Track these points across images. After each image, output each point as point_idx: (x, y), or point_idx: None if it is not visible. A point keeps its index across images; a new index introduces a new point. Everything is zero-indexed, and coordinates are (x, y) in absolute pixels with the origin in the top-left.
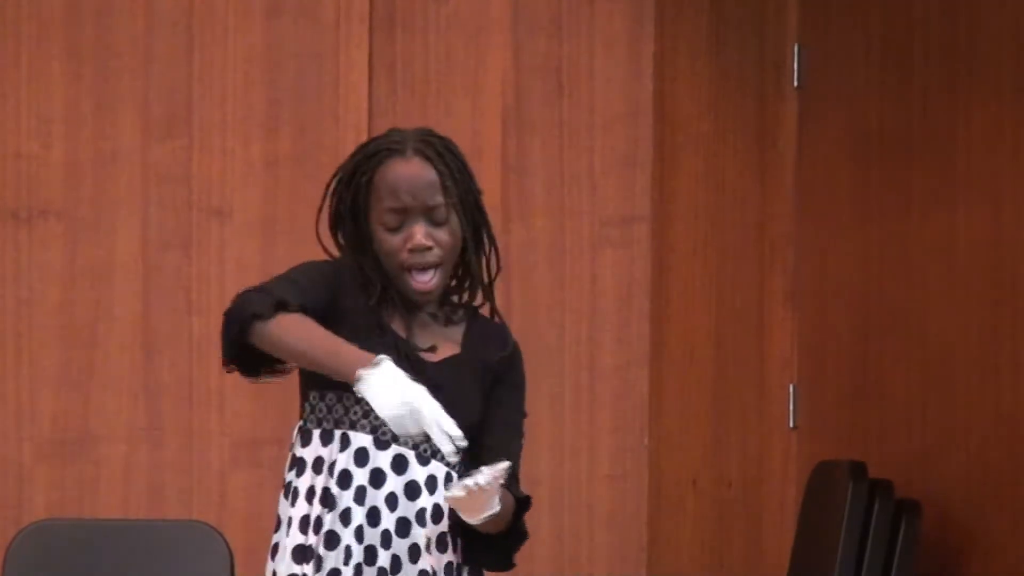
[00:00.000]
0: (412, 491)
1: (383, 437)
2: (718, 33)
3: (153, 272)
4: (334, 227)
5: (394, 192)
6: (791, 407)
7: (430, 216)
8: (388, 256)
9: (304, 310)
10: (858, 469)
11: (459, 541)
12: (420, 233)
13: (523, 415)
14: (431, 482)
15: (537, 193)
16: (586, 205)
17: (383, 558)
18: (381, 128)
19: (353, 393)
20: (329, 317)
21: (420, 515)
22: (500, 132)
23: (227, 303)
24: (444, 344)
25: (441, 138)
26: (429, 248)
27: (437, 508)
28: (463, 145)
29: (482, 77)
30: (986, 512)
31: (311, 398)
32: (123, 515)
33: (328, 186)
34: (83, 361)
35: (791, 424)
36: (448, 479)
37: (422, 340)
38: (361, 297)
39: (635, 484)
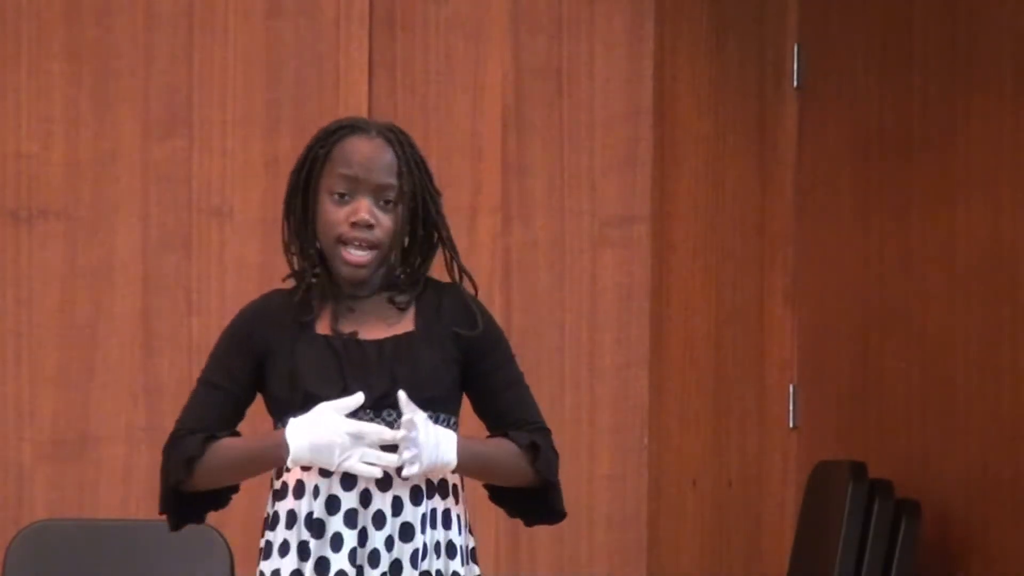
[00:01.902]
0: (384, 482)
1: None
2: (718, 33)
3: (153, 272)
4: (286, 211)
5: (348, 161)
6: (791, 407)
7: (379, 196)
8: (327, 227)
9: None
10: (858, 469)
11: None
12: (364, 209)
13: (513, 358)
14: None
15: (537, 193)
16: (586, 205)
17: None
18: None
19: (305, 412)
20: (261, 360)
21: (396, 503)
22: (500, 132)
23: (227, 303)
24: (390, 325)
25: (407, 134)
26: (371, 226)
27: (416, 490)
28: (463, 145)
29: (482, 77)
30: (986, 512)
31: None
32: (123, 515)
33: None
34: (83, 361)
35: (791, 424)
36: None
37: (353, 325)
38: (283, 316)
39: (635, 484)
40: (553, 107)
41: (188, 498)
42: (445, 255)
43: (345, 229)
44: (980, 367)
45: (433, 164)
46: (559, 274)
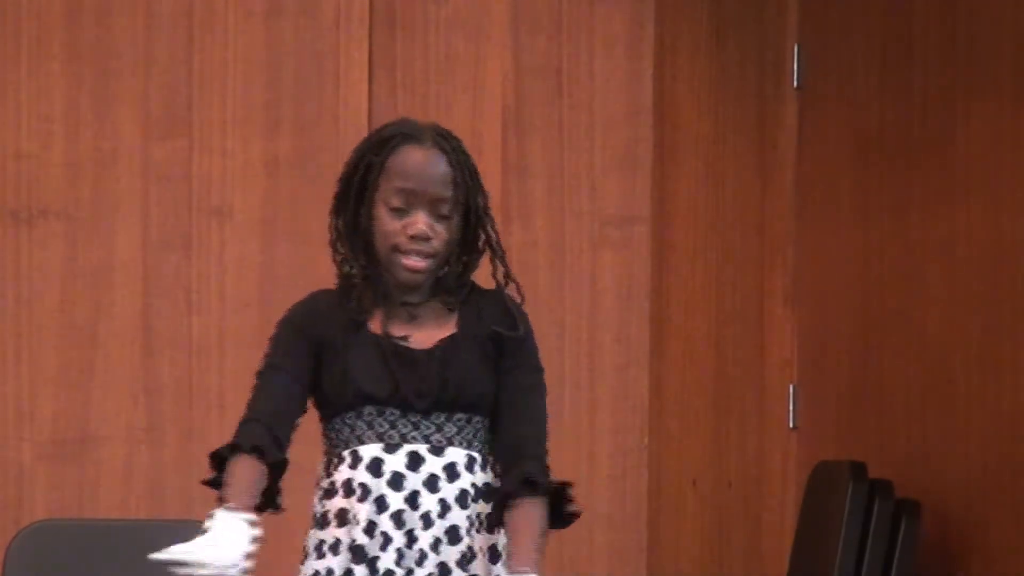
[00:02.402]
0: (432, 484)
1: (391, 441)
2: (718, 33)
3: (153, 272)
4: (336, 212)
5: (406, 174)
6: (791, 407)
7: (435, 208)
8: (384, 236)
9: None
10: (858, 469)
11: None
12: (422, 221)
13: (537, 368)
14: (451, 470)
15: (537, 193)
16: (586, 205)
17: (422, 542)
18: None
19: (355, 411)
20: (317, 351)
21: (443, 505)
22: (500, 132)
23: (227, 303)
24: (440, 329)
25: (456, 137)
26: (428, 239)
27: (463, 493)
28: None
29: (482, 77)
30: (986, 512)
31: (328, 430)
32: (123, 515)
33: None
34: (83, 361)
35: (791, 424)
36: (470, 462)
37: (406, 330)
38: (336, 314)
39: (635, 484)
40: (553, 107)
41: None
42: (492, 258)
43: (403, 240)
44: (980, 367)
45: None
46: (559, 274)
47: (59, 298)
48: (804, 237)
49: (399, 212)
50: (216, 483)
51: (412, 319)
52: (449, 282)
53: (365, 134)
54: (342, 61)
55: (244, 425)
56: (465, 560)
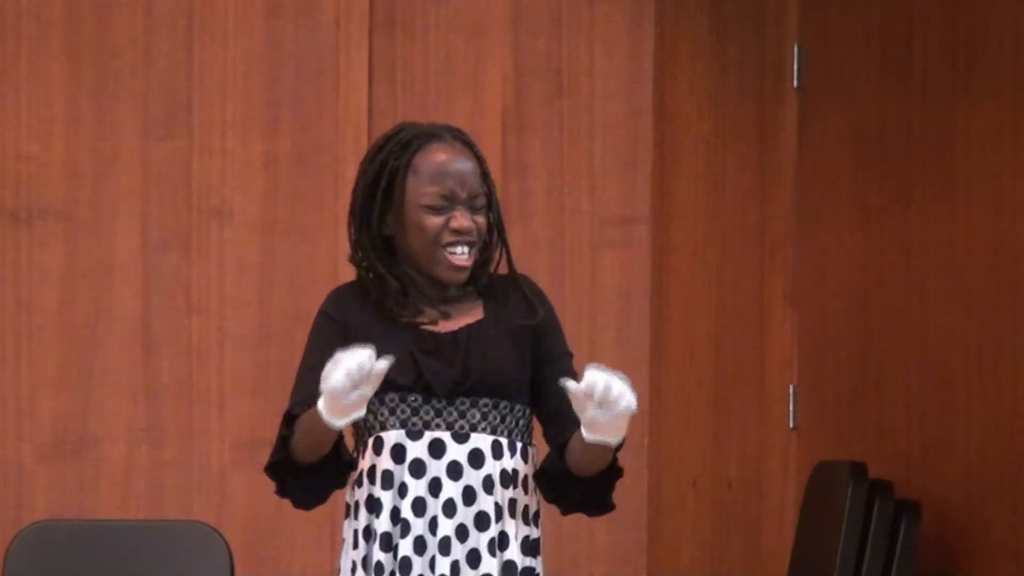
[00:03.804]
0: (455, 471)
1: (413, 428)
2: (718, 33)
3: (153, 272)
4: (359, 221)
5: (440, 173)
6: (791, 407)
7: (472, 202)
8: (424, 233)
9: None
10: (858, 469)
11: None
12: (464, 218)
13: (570, 355)
14: (475, 457)
15: (537, 193)
16: (586, 205)
17: (434, 540)
18: (381, 128)
19: (378, 397)
20: (347, 339)
21: (467, 493)
22: (500, 132)
23: (227, 303)
24: (467, 316)
25: (464, 132)
26: (471, 231)
27: (488, 480)
28: None
29: (482, 77)
30: (986, 512)
31: (362, 431)
32: (123, 515)
33: (356, 183)
34: (83, 361)
35: (791, 424)
36: (497, 448)
37: (431, 317)
38: (363, 303)
39: (635, 484)
40: (553, 107)
41: (306, 476)
42: (503, 248)
43: (447, 234)
44: (980, 367)
45: None
46: (559, 274)
47: (59, 298)
48: (804, 237)
49: (437, 210)
50: (302, 500)
51: (445, 316)
52: (475, 271)
53: (365, 134)
54: (342, 61)
55: (294, 410)
56: (496, 546)
